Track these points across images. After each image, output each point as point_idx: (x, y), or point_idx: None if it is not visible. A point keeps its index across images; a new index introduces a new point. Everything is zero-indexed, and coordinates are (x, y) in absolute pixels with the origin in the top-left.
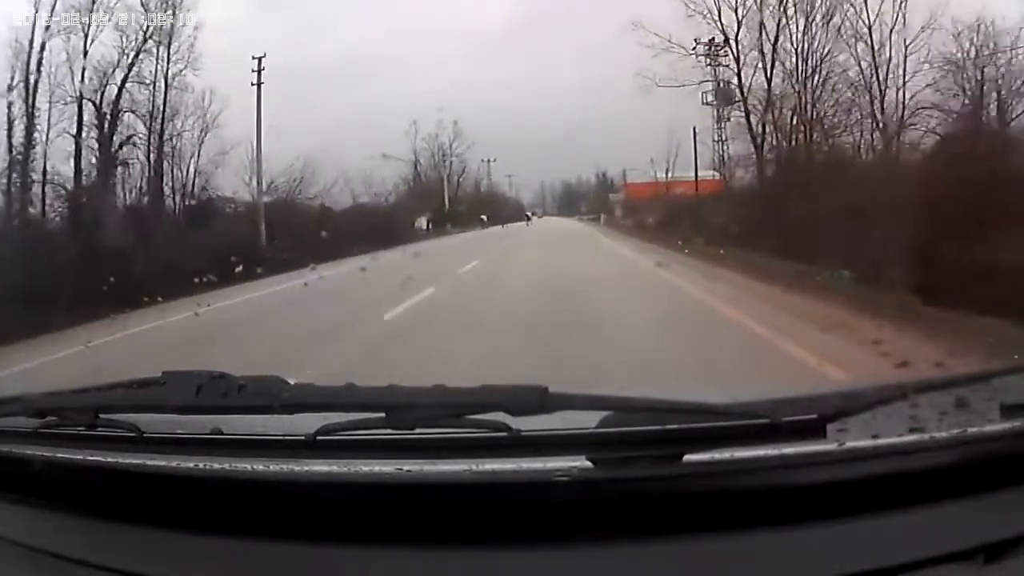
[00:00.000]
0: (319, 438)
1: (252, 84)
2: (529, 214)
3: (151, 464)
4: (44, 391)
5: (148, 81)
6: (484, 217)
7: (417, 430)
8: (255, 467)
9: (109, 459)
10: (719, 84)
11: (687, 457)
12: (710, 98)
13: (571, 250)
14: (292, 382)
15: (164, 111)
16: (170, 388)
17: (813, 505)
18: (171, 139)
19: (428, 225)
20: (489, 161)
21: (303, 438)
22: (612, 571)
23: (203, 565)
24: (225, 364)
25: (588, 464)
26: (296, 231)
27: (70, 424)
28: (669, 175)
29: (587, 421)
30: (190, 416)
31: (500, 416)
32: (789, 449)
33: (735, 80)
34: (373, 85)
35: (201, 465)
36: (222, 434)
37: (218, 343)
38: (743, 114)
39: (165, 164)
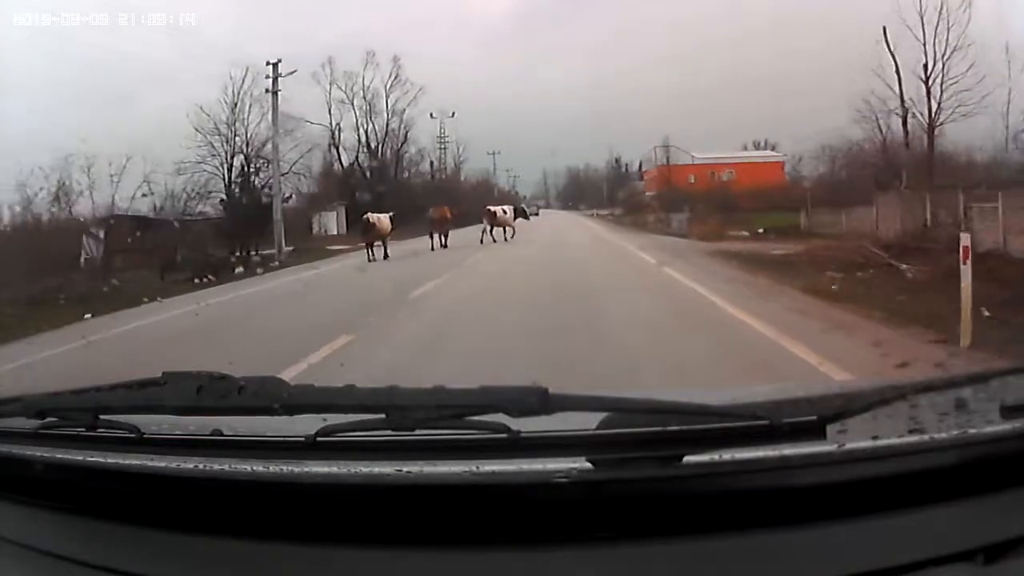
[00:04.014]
0: (319, 439)
1: None
2: (493, 211)
3: (151, 465)
4: (44, 391)
5: None
6: (375, 217)
7: (417, 431)
8: (255, 468)
9: (109, 460)
10: None
11: (687, 458)
12: None
13: None
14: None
15: None
16: (170, 389)
17: (813, 506)
18: None
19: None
20: (441, 120)
21: (303, 439)
22: (612, 572)
23: (203, 566)
24: None
25: (588, 465)
26: None
27: (70, 425)
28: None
29: (587, 422)
30: (190, 417)
31: (500, 417)
32: (789, 450)
33: None
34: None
35: (201, 466)
36: (222, 435)
37: None
38: None
39: None
